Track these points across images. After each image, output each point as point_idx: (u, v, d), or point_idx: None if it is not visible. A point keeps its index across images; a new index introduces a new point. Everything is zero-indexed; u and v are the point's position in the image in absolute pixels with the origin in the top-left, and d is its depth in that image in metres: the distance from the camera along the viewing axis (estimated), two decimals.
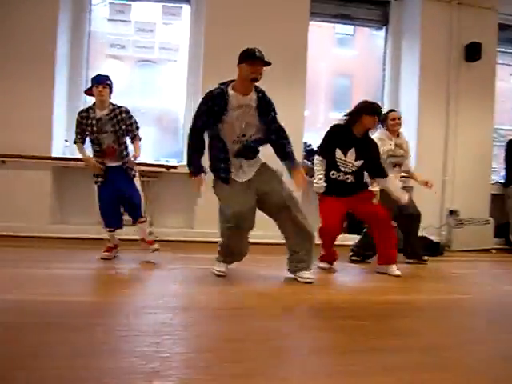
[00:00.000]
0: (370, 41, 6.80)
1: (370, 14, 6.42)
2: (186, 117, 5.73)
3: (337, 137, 3.99)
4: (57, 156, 5.19)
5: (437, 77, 6.00)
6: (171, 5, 5.78)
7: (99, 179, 3.95)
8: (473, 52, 6.01)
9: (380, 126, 4.51)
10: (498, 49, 6.41)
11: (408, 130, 6.03)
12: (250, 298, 3.03)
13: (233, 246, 3.50)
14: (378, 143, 4.23)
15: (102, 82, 3.85)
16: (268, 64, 3.30)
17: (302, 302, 3.01)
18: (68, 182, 5.29)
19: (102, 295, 2.94)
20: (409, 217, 4.56)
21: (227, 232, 3.40)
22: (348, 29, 6.77)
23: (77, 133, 3.97)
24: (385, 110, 5.80)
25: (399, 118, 4.60)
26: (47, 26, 5.10)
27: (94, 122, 3.88)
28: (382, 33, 6.49)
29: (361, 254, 4.58)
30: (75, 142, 4.00)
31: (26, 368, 1.76)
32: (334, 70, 6.74)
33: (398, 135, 4.64)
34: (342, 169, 3.96)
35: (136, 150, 3.98)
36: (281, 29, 5.48)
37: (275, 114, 3.47)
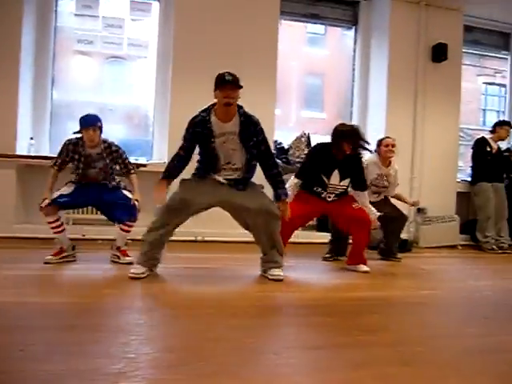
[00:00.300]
0: (341, 40, 6.86)
1: (339, 14, 6.48)
2: (156, 114, 5.66)
3: (318, 160, 3.97)
4: (21, 154, 5.05)
5: (405, 76, 6.10)
6: (140, 1, 5.71)
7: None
8: (439, 52, 6.14)
9: (374, 151, 4.56)
10: (464, 50, 6.57)
11: (376, 128, 6.15)
12: (221, 297, 3.01)
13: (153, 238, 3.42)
14: (365, 167, 4.25)
15: (92, 125, 3.71)
16: (239, 87, 3.25)
17: (271, 299, 3.01)
18: (33, 180, 5.15)
19: (76, 296, 2.87)
20: (394, 219, 4.63)
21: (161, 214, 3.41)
22: (319, 28, 6.81)
23: (58, 160, 3.81)
24: (355, 117, 5.93)
25: (393, 146, 4.59)
26: (11, 21, 4.95)
27: (82, 158, 3.77)
28: (351, 32, 6.56)
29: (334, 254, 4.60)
30: (52, 166, 3.83)
31: None
32: (306, 69, 6.77)
33: (389, 163, 4.65)
34: (329, 190, 3.98)
35: (134, 187, 4.00)
36: (251, 27, 5.48)
37: (262, 138, 3.38)
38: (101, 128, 3.81)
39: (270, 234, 3.46)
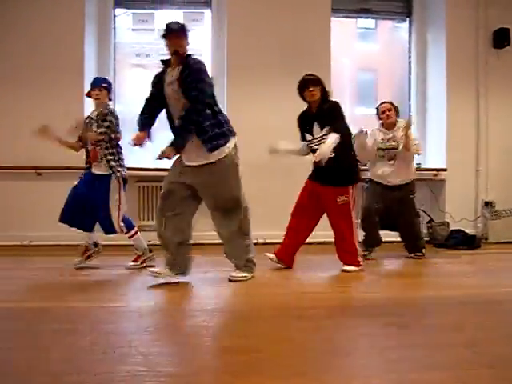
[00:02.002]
0: (392, 33, 6.70)
1: (392, 7, 6.33)
2: None
3: (300, 123, 3.91)
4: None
5: (465, 66, 5.86)
6: (193, 11, 5.84)
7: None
8: (501, 38, 5.85)
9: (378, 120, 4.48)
10: None
11: (437, 122, 5.95)
12: (281, 298, 3.03)
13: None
14: (370, 136, 4.25)
15: (97, 85, 3.92)
16: (184, 35, 3.23)
17: (331, 300, 2.98)
18: None
19: (146, 300, 2.99)
20: (408, 224, 4.47)
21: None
22: (370, 23, 6.69)
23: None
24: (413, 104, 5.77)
25: (389, 110, 4.41)
26: (74, 38, 5.22)
27: (86, 121, 3.97)
28: (405, 25, 6.39)
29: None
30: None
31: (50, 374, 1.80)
32: (358, 65, 6.66)
33: (394, 126, 4.42)
34: (316, 147, 3.75)
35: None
36: (303, 27, 5.48)
37: (195, 85, 3.14)
38: (107, 89, 3.95)
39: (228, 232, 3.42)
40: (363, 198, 4.50)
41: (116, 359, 1.96)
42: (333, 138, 3.56)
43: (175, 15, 5.83)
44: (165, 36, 3.24)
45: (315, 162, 3.71)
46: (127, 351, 2.03)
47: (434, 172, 5.80)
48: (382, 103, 4.51)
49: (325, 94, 3.80)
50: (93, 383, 1.72)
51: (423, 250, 4.52)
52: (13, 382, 1.74)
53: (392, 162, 4.35)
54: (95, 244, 4.00)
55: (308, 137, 3.85)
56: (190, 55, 3.29)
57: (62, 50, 5.20)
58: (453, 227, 5.51)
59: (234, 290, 3.25)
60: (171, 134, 3.30)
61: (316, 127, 3.78)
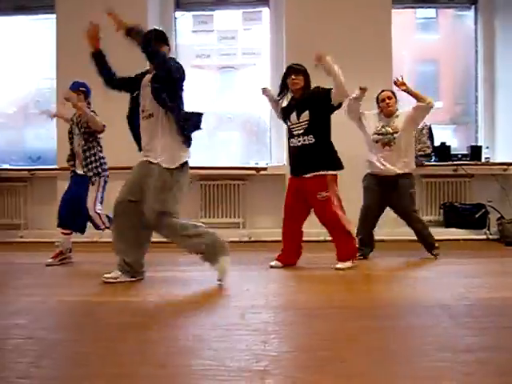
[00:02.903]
0: (454, 23, 6.43)
1: None
2: (272, 119, 5.80)
3: (282, 111, 3.99)
4: None
5: None
6: (251, 10, 5.89)
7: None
8: None
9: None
10: None
11: (507, 114, 5.67)
12: (338, 297, 3.01)
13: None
14: (368, 120, 4.18)
15: (74, 89, 4.05)
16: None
17: (393, 299, 2.91)
18: None
19: (208, 296, 3.07)
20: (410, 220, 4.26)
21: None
22: (430, 12, 6.45)
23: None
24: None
25: (389, 98, 4.20)
26: None
27: (71, 123, 4.14)
28: (469, 13, 6.12)
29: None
30: None
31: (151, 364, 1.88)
32: (418, 57, 6.45)
33: (395, 115, 4.22)
34: (295, 133, 3.80)
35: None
36: (363, 22, 5.38)
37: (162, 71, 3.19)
38: (85, 93, 4.08)
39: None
40: (363, 196, 4.33)
41: (186, 353, 2.03)
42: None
43: (234, 15, 5.91)
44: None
45: (292, 149, 3.85)
46: (197, 346, 2.10)
47: (504, 166, 5.52)
48: (383, 91, 4.31)
49: (308, 84, 3.84)
50: (163, 376, 1.78)
51: (437, 247, 4.25)
52: (85, 372, 1.83)
53: (388, 148, 4.16)
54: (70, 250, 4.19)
55: (288, 123, 3.90)
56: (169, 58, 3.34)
57: (126, 53, 5.38)
58: None
59: (295, 287, 3.27)
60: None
61: (293, 114, 3.82)
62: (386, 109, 4.21)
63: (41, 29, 6.31)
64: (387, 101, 4.20)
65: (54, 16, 5.77)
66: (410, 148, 4.29)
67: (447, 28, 6.53)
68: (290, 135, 3.88)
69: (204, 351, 2.01)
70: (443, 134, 6.02)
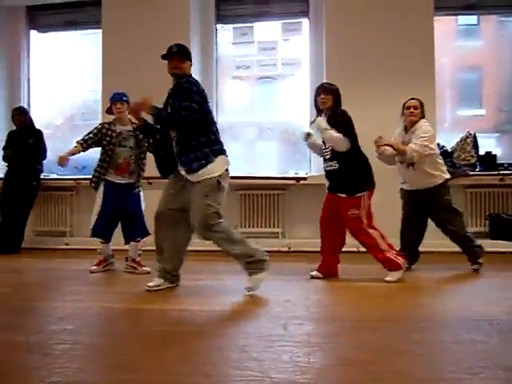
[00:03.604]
0: (497, 29, 6.26)
1: (497, 1, 5.92)
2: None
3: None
4: None
5: None
6: (291, 21, 5.92)
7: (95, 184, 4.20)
8: None
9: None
10: None
11: None
12: (390, 309, 2.96)
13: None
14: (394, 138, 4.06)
15: (119, 100, 4.12)
16: (185, 57, 3.33)
17: (445, 312, 2.85)
18: None
19: (243, 305, 3.08)
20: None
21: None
22: (471, 19, 6.31)
23: (87, 137, 4.19)
24: None
25: (415, 108, 4.01)
26: None
27: (113, 134, 4.13)
28: None
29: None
30: (78, 142, 4.22)
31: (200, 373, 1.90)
32: (460, 64, 6.31)
33: (413, 127, 4.02)
34: (326, 157, 3.84)
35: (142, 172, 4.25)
36: (404, 30, 5.31)
37: (182, 98, 3.23)
38: (128, 103, 4.09)
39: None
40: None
41: (230, 363, 2.05)
42: (335, 133, 3.63)
43: (273, 26, 5.96)
44: (165, 58, 3.34)
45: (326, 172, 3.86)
46: (239, 356, 2.11)
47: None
48: (411, 99, 4.13)
49: (338, 104, 3.81)
50: None
51: (479, 262, 4.08)
52: (133, 379, 1.88)
53: (411, 168, 4.01)
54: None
55: (322, 145, 3.90)
56: (187, 76, 3.37)
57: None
58: None
59: (336, 299, 3.24)
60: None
61: None
62: (409, 117, 4.05)
63: (86, 43, 6.56)
64: (412, 109, 4.04)
65: (99, 31, 5.98)
66: (435, 162, 4.08)
67: (490, 34, 6.36)
68: (323, 159, 3.94)
69: (248, 362, 2.02)
70: (488, 143, 5.85)
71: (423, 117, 4.09)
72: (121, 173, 4.18)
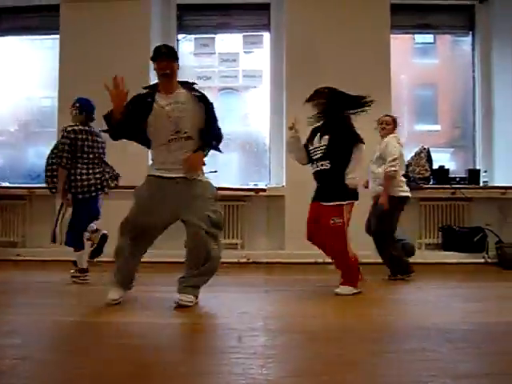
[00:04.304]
0: (452, 48, 6.53)
1: (452, 21, 6.19)
2: (272, 140, 5.84)
3: (310, 133, 3.88)
4: None
5: None
6: (252, 33, 5.98)
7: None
8: None
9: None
10: None
11: (505, 138, 5.71)
12: (343, 320, 3.00)
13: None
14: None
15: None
16: (175, 59, 3.27)
17: (399, 323, 2.89)
18: None
19: (200, 318, 3.04)
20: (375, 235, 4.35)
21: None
22: (428, 38, 6.56)
23: None
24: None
25: (387, 123, 4.37)
26: (140, 62, 5.39)
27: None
28: (466, 38, 6.23)
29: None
30: None
31: None
32: (416, 81, 6.53)
33: (384, 142, 4.31)
34: (314, 158, 3.78)
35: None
36: (362, 47, 5.46)
37: (215, 120, 3.39)
38: (79, 108, 4.11)
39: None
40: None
41: (182, 377, 2.01)
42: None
43: (235, 38, 6.00)
44: (154, 59, 3.28)
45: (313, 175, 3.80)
46: (192, 370, 2.07)
47: (502, 190, 5.54)
48: (386, 115, 4.47)
49: (332, 107, 3.78)
50: None
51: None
52: None
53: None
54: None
55: (309, 146, 3.84)
56: (191, 83, 3.43)
57: (130, 74, 5.41)
58: None
59: (294, 310, 3.24)
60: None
61: (317, 137, 3.79)
62: (380, 132, 4.40)
63: (44, 48, 6.40)
64: (383, 125, 4.39)
65: (57, 36, 5.85)
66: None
67: (445, 53, 6.62)
68: (310, 160, 3.85)
69: (200, 375, 1.99)
70: (442, 157, 6.07)
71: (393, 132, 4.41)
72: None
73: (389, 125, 4.38)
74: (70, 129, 4.05)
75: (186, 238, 3.25)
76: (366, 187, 4.40)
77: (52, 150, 4.21)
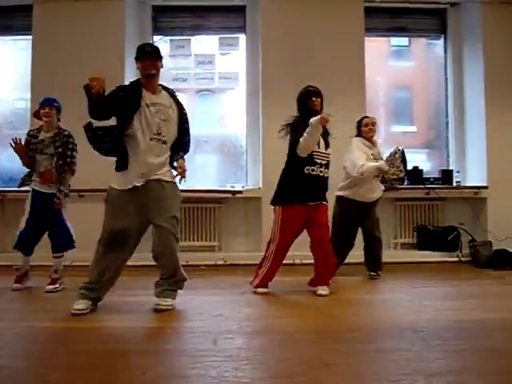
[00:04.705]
0: (426, 51, 6.63)
1: (425, 24, 6.28)
2: (248, 142, 5.84)
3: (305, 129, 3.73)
4: None
5: (503, 81, 5.72)
6: (228, 36, 5.97)
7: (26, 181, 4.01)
8: None
9: (356, 133, 4.44)
10: None
11: (477, 139, 5.82)
12: (320, 321, 3.02)
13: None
14: (357, 149, 4.25)
15: (47, 104, 3.98)
16: (159, 58, 3.29)
17: (372, 323, 2.92)
18: None
19: (183, 320, 3.01)
20: (372, 239, 4.45)
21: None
22: (403, 41, 6.66)
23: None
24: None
25: (373, 124, 4.42)
26: (115, 63, 5.35)
27: (35, 141, 3.98)
28: (439, 41, 6.34)
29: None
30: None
31: None
32: (392, 83, 6.62)
33: (374, 144, 4.43)
34: (318, 161, 3.75)
35: (64, 181, 3.96)
36: (336, 49, 5.51)
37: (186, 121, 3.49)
38: (57, 108, 4.02)
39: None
40: (338, 218, 4.42)
41: (156, 381, 1.99)
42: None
43: (211, 40, 5.99)
44: (138, 58, 3.25)
45: (308, 176, 3.76)
46: (165, 373, 2.06)
47: (475, 190, 5.65)
48: (365, 117, 4.51)
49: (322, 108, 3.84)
50: None
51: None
52: None
53: (375, 178, 4.38)
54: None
55: (315, 147, 3.77)
56: (170, 88, 3.47)
57: (104, 75, 5.36)
58: (496, 247, 5.34)
59: (269, 312, 3.25)
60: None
61: (322, 143, 3.80)
62: (368, 133, 4.38)
63: (16, 49, 6.27)
64: (371, 126, 4.40)
65: (29, 37, 5.74)
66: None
67: (420, 56, 6.72)
68: (309, 162, 3.74)
69: (173, 379, 1.98)
70: (417, 158, 6.15)
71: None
72: (44, 181, 3.95)
73: (374, 125, 4.44)
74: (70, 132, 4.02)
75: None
76: None
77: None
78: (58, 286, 3.99)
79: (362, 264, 4.48)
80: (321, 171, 3.76)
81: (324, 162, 3.78)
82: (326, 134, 3.87)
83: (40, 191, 3.97)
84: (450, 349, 2.38)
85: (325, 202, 3.83)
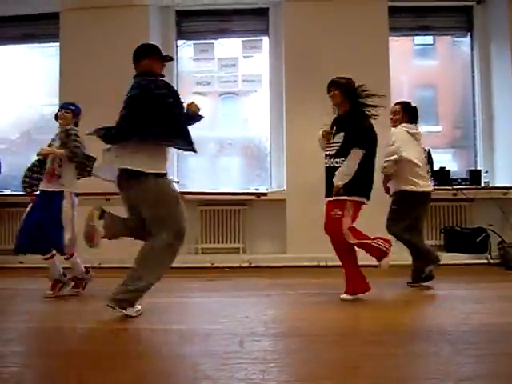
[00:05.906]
0: (452, 49, 6.53)
1: (451, 22, 6.20)
2: (272, 144, 5.85)
3: (331, 125, 3.72)
4: None
5: None
6: (251, 38, 6.00)
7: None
8: None
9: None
10: None
11: (505, 138, 5.70)
12: (348, 323, 3.00)
13: None
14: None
15: (64, 108, 4.04)
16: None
17: (401, 326, 2.89)
18: None
19: (207, 322, 3.04)
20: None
21: None
22: (427, 39, 6.57)
23: None
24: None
25: (394, 113, 4.16)
26: None
27: (50, 143, 4.02)
28: (465, 39, 6.23)
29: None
30: None
31: None
32: (417, 82, 6.54)
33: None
34: (327, 152, 3.66)
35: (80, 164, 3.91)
36: (360, 49, 5.47)
37: None
38: (74, 112, 4.03)
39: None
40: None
41: (183, 383, 2.02)
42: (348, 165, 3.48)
43: (234, 43, 6.03)
44: (137, 59, 3.39)
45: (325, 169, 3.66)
46: (193, 375, 2.08)
47: (504, 190, 5.53)
48: (395, 104, 4.29)
49: (347, 99, 3.65)
50: None
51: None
52: None
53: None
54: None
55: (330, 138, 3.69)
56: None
57: (129, 80, 5.45)
58: None
59: (296, 314, 3.24)
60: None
61: (333, 130, 3.67)
62: (390, 123, 4.19)
63: (45, 56, 6.44)
64: (391, 115, 4.19)
65: (57, 44, 5.89)
66: (401, 169, 4.12)
67: (445, 54, 6.62)
68: (325, 154, 3.71)
69: (202, 381, 2.00)
70: (443, 158, 6.06)
71: (406, 120, 4.14)
72: (48, 178, 3.91)
73: (396, 114, 4.16)
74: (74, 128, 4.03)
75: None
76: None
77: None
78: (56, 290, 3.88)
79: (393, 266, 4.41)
80: (331, 162, 3.61)
81: (333, 152, 3.61)
82: (338, 121, 3.70)
83: (43, 190, 3.94)
84: (479, 353, 2.33)
85: (338, 197, 3.51)
